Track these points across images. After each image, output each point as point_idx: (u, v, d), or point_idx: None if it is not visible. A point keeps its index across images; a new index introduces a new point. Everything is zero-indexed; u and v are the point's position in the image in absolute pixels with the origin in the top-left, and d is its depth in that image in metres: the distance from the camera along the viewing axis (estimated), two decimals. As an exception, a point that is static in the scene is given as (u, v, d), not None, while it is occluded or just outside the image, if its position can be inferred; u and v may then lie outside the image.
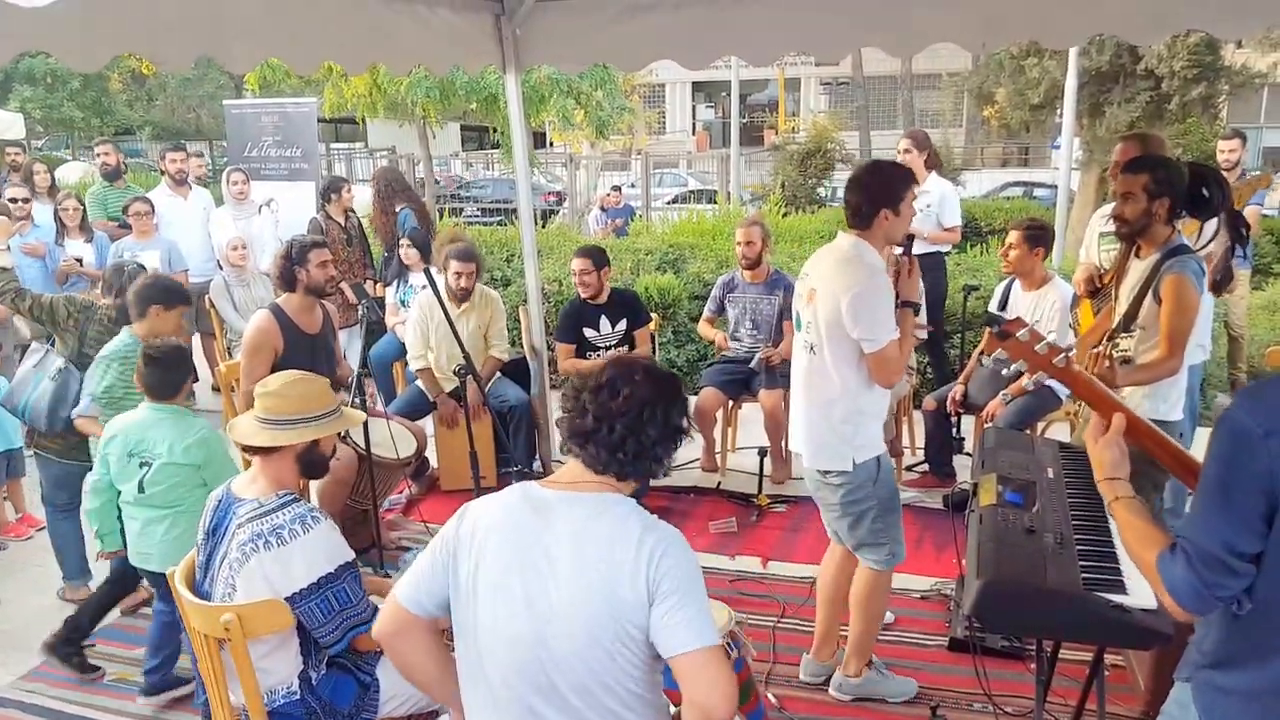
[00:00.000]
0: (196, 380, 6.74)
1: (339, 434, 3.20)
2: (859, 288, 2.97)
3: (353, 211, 7.08)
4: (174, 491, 3.25)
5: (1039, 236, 4.72)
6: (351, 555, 2.55)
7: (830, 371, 3.08)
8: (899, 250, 3.20)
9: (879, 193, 3.06)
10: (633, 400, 1.89)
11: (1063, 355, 2.05)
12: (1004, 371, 2.17)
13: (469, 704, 1.97)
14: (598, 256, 5.26)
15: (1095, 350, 3.30)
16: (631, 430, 1.89)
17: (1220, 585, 1.56)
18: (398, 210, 6.80)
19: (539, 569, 1.85)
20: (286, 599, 2.43)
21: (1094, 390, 2.01)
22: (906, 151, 5.87)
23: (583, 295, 5.26)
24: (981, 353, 4.71)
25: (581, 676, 1.84)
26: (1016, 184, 20.01)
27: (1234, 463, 1.54)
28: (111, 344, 3.82)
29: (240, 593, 2.46)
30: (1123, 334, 3.35)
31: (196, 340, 6.98)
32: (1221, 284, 4.31)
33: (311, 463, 2.70)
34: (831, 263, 3.11)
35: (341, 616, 2.47)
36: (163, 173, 7.27)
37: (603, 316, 5.30)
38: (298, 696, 2.55)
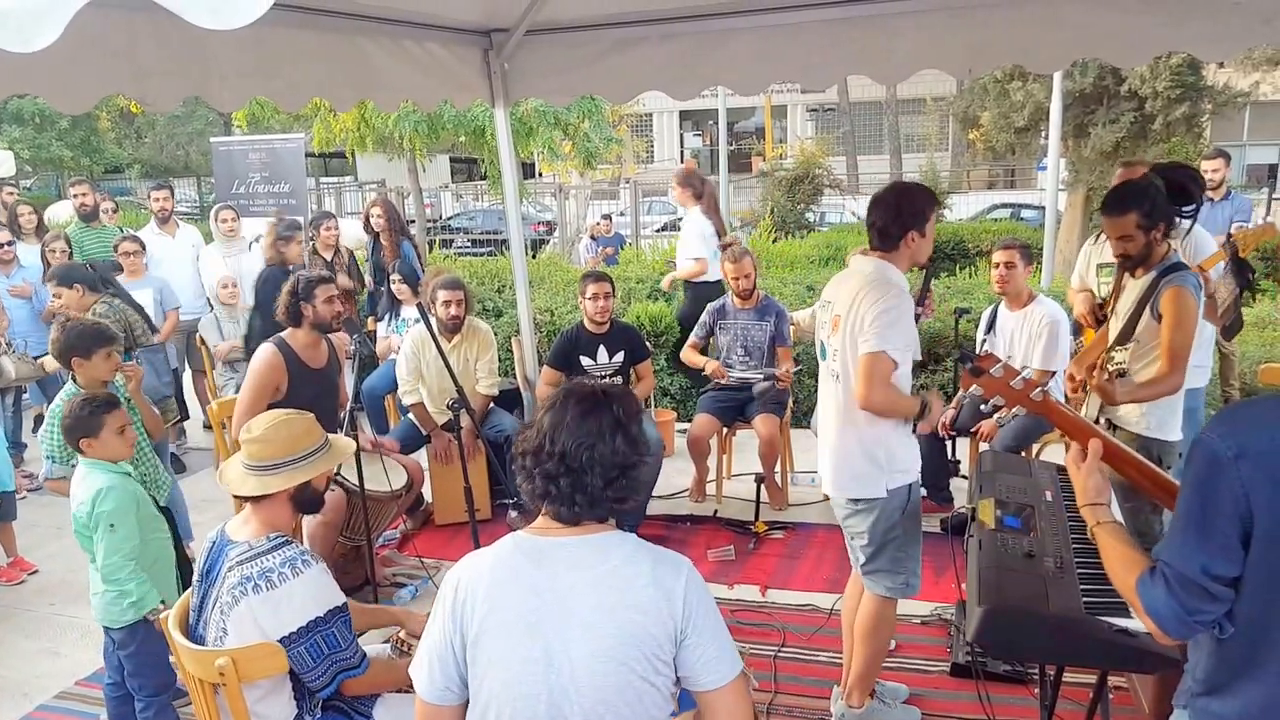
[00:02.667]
0: (187, 418, 6.84)
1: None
2: (886, 304, 2.89)
3: (340, 250, 7.06)
4: (88, 545, 3.19)
5: (1029, 252, 4.90)
6: (342, 599, 2.51)
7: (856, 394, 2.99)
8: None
9: (907, 214, 2.97)
10: (594, 452, 1.79)
11: (1039, 389, 2.05)
12: (982, 407, 2.16)
13: None
14: (610, 281, 5.33)
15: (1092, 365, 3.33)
16: (609, 481, 1.81)
17: (1200, 610, 1.55)
18: (400, 243, 6.88)
19: (555, 623, 1.76)
20: (276, 642, 2.39)
21: (1071, 420, 2.01)
22: (672, 188, 6.72)
23: (598, 320, 5.25)
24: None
25: None
26: (1003, 205, 20.12)
27: (1207, 486, 1.53)
28: (56, 398, 3.78)
29: (232, 636, 2.42)
30: (1118, 346, 3.36)
31: (188, 378, 6.95)
32: (1232, 329, 4.27)
33: (306, 500, 2.66)
34: (856, 286, 3.00)
35: (330, 661, 2.43)
36: (156, 211, 7.27)
37: (601, 346, 5.28)
38: (293, 741, 2.51)
